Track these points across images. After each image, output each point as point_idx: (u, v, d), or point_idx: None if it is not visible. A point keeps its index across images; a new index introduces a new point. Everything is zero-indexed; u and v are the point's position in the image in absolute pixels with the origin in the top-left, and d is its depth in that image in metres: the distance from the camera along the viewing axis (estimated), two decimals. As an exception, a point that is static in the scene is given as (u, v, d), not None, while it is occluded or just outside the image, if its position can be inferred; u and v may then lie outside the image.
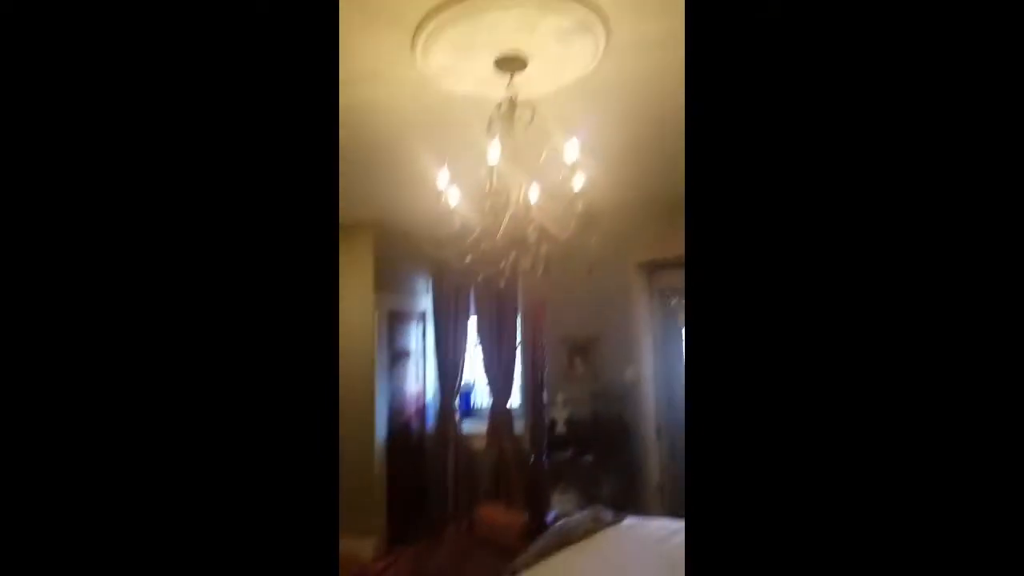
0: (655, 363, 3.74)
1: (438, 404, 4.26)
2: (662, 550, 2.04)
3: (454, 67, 1.62)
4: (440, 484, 4.03)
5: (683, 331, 3.91)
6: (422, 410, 4.23)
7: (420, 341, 4.26)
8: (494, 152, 1.48)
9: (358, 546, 3.46)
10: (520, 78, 1.62)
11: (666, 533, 2.19)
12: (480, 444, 4.07)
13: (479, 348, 4.12)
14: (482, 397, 4.46)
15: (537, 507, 2.57)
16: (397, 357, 3.96)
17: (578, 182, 1.52)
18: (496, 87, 1.65)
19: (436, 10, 1.38)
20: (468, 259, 1.60)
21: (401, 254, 3.96)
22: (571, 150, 1.50)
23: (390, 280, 3.89)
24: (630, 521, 2.42)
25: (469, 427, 4.24)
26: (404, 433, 3.97)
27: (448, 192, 1.59)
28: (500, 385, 3.97)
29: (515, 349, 4.00)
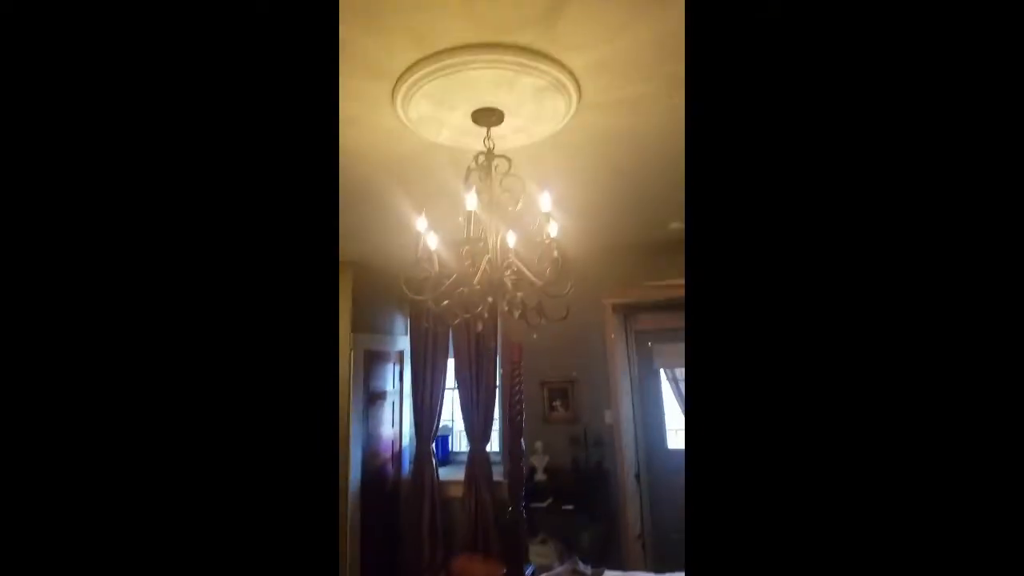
0: (633, 405, 3.75)
1: (414, 448, 4.17)
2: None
3: (433, 117, 1.67)
4: (416, 533, 3.89)
5: (661, 372, 3.94)
6: (398, 455, 4.13)
7: (396, 383, 4.19)
8: (471, 200, 1.52)
9: (327, 602, 3.29)
10: (496, 131, 1.68)
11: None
12: (457, 491, 3.97)
13: (457, 391, 4.08)
14: (459, 442, 4.37)
15: (515, 559, 2.49)
16: (373, 398, 3.88)
17: (553, 229, 1.56)
18: (474, 138, 1.71)
19: (417, 65, 1.44)
20: (446, 303, 1.61)
21: (379, 295, 3.95)
22: (545, 201, 1.55)
23: (368, 319, 3.87)
24: (609, 575, 2.37)
25: (446, 473, 4.14)
26: (379, 478, 3.86)
27: (426, 236, 1.62)
28: (478, 430, 3.91)
29: (494, 392, 3.96)
